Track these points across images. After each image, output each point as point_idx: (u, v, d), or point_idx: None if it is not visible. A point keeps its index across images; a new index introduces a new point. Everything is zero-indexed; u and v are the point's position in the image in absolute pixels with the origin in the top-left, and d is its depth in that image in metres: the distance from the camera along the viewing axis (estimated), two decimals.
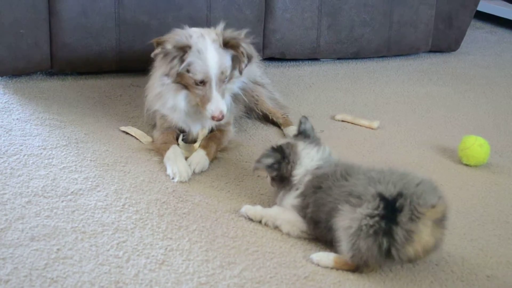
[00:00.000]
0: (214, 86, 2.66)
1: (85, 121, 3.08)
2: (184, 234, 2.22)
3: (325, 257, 2.11)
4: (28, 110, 3.17)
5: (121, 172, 2.63)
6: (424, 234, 1.96)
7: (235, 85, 2.87)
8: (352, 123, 3.29)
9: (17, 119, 3.05)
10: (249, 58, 2.76)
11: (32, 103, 3.26)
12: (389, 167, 2.13)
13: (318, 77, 3.98)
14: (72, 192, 2.45)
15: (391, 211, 1.96)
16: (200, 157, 2.72)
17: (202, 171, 2.68)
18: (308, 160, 2.26)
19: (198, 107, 2.74)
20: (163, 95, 2.76)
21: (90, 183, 2.52)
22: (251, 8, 3.91)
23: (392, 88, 3.88)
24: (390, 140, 3.13)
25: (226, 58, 2.70)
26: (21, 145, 2.79)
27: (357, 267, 2.05)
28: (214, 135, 2.88)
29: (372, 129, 3.24)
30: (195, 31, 2.72)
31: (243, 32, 2.78)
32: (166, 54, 2.64)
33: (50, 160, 2.68)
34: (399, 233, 1.94)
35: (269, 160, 2.27)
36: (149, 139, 2.91)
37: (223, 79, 2.70)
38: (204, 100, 2.68)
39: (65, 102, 3.31)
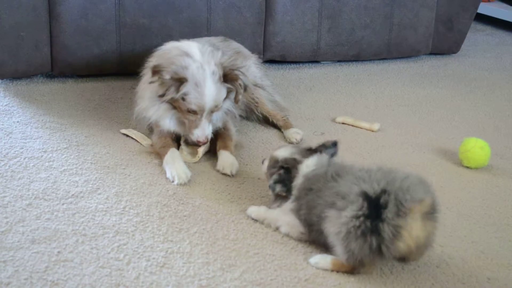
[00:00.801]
0: (205, 116, 2.70)
1: (86, 123, 3.09)
2: (185, 237, 2.22)
3: (323, 259, 2.11)
4: (28, 113, 3.17)
5: (121, 174, 2.63)
6: (413, 229, 1.94)
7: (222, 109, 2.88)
8: (352, 126, 3.29)
9: (18, 121, 3.05)
10: (245, 89, 2.82)
11: (32, 106, 3.27)
12: (378, 166, 2.11)
13: (318, 79, 3.98)
14: (72, 194, 2.45)
15: (376, 209, 1.95)
16: (229, 158, 2.76)
17: (237, 171, 2.72)
18: (304, 168, 2.25)
19: (184, 126, 2.77)
20: (152, 110, 2.78)
21: (90, 185, 2.52)
22: (251, 11, 3.91)
23: (392, 91, 3.88)
24: (390, 142, 3.13)
25: (222, 91, 2.72)
26: (22, 148, 2.79)
27: (354, 268, 2.05)
28: (225, 134, 2.91)
29: (373, 131, 3.24)
30: (194, 58, 2.69)
31: (239, 60, 2.80)
32: (162, 82, 2.66)
33: (51, 163, 2.68)
34: (386, 229, 1.93)
35: (278, 183, 2.25)
36: (149, 141, 2.91)
37: (216, 110, 2.74)
38: (191, 126, 2.72)
39: (66, 105, 3.31)
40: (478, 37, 5.26)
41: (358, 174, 2.08)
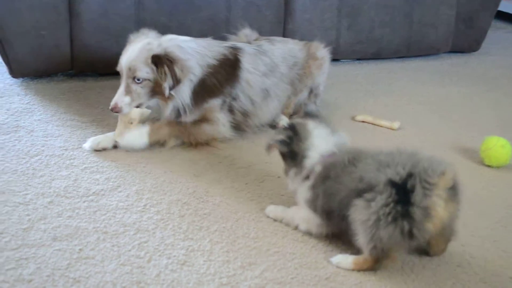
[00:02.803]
0: (124, 80, 2.81)
1: (106, 121, 3.10)
2: (205, 235, 2.23)
3: (344, 259, 2.10)
4: (49, 111, 3.19)
5: (142, 172, 2.64)
6: (439, 207, 1.95)
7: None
8: (372, 124, 3.28)
9: (39, 120, 3.07)
10: (176, 82, 2.83)
11: (53, 104, 3.28)
12: (398, 148, 2.11)
13: (338, 77, 3.97)
14: (93, 192, 2.46)
15: (404, 194, 1.95)
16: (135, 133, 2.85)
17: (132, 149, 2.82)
18: (321, 141, 2.23)
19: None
20: None
21: (111, 183, 2.53)
22: (271, 9, 3.91)
23: (412, 89, 3.86)
24: (411, 141, 3.11)
25: (142, 62, 2.79)
26: (43, 146, 2.80)
27: (376, 262, 2.04)
28: (183, 123, 2.94)
29: (393, 130, 3.23)
30: (151, 35, 2.93)
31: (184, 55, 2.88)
32: None
33: (72, 161, 2.69)
34: (417, 212, 1.94)
35: (281, 136, 2.25)
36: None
37: (131, 76, 2.80)
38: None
39: (86, 103, 3.33)
40: (499, 35, 5.22)
41: (380, 158, 2.07)
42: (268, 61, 3.12)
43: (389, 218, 1.95)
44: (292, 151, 2.25)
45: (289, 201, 2.45)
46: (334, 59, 4.19)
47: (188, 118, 2.91)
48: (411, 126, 3.29)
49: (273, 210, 2.36)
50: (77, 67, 3.64)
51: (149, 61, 2.77)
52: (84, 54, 3.59)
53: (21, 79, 3.59)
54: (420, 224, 1.94)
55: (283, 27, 4.00)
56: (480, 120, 3.43)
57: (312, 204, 2.19)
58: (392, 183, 1.97)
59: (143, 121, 2.88)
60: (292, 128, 2.27)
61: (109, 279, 1.96)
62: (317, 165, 2.19)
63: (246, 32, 3.40)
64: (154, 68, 2.78)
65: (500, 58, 4.59)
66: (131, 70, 2.77)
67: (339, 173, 2.11)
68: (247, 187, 2.59)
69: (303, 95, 3.27)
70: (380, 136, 3.16)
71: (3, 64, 3.55)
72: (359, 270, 2.07)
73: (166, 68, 2.77)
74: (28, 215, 2.27)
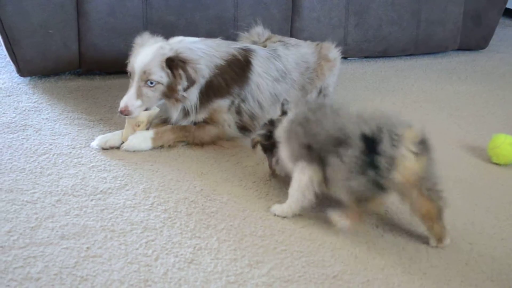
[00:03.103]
0: (136, 81, 2.78)
1: (113, 120, 3.10)
2: (213, 233, 2.23)
3: (338, 221, 2.22)
4: (57, 110, 3.19)
5: (149, 171, 2.65)
6: (407, 158, 2.07)
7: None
8: None
9: (47, 118, 3.08)
10: (191, 83, 2.83)
11: (61, 103, 3.29)
12: (380, 110, 2.24)
13: (345, 76, 3.96)
14: (101, 191, 2.46)
15: (373, 145, 2.09)
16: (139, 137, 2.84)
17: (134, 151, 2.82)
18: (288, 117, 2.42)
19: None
20: None
21: (119, 182, 2.54)
22: (278, 7, 3.91)
23: (420, 87, 3.86)
24: None
25: (156, 65, 2.77)
26: (51, 145, 2.81)
27: (357, 213, 2.18)
28: (188, 127, 2.94)
29: None
30: (158, 39, 2.94)
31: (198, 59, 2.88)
32: None
33: (79, 159, 2.70)
34: (382, 161, 2.07)
35: (263, 131, 2.48)
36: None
37: (145, 79, 2.77)
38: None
39: (94, 102, 3.34)
40: (507, 32, 5.21)
41: (363, 115, 2.20)
42: (281, 67, 3.11)
43: (358, 169, 2.10)
44: (273, 143, 2.44)
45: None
46: (342, 57, 4.18)
47: (195, 117, 2.91)
48: (419, 124, 3.27)
49: (278, 207, 2.37)
50: (85, 66, 3.65)
51: (164, 64, 2.77)
52: (91, 53, 3.60)
53: (29, 78, 3.60)
54: (385, 172, 2.07)
55: (291, 25, 4.00)
56: (488, 118, 3.42)
57: (291, 154, 2.34)
58: (364, 137, 2.12)
59: (150, 121, 2.88)
60: (271, 123, 2.48)
61: (117, 277, 1.97)
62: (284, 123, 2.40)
63: (258, 30, 3.39)
64: (169, 71, 2.77)
65: (508, 56, 4.57)
66: (146, 73, 2.76)
67: (321, 118, 2.27)
68: (255, 185, 2.59)
69: (312, 95, 3.26)
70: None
71: (11, 63, 3.56)
72: (350, 225, 2.19)
73: (180, 71, 2.77)
74: (36, 213, 2.28)
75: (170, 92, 2.82)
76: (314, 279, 2.02)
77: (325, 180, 2.27)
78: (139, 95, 2.77)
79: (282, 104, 2.52)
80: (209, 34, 3.40)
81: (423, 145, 2.12)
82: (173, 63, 2.77)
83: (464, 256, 2.17)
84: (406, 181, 2.08)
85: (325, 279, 2.02)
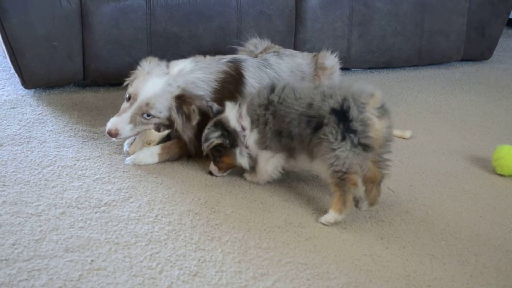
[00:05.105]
0: (134, 109, 2.74)
1: None
2: (217, 245, 2.23)
3: (329, 215, 2.38)
4: (61, 122, 3.20)
5: (153, 183, 2.65)
6: (374, 120, 2.32)
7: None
8: None
9: (51, 130, 3.09)
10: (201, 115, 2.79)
11: (65, 115, 3.30)
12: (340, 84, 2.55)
13: None
14: (105, 203, 2.47)
15: (343, 115, 2.31)
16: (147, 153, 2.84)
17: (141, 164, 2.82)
18: (231, 111, 2.64)
19: None
20: None
21: (123, 194, 2.54)
22: (282, 19, 3.91)
23: (424, 98, 3.86)
24: (422, 150, 3.11)
25: (163, 101, 2.74)
26: (55, 157, 2.82)
27: (340, 187, 2.34)
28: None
29: (405, 139, 3.22)
30: (165, 70, 2.85)
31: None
32: None
33: (84, 172, 2.70)
34: (356, 125, 2.30)
35: (217, 133, 2.61)
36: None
37: (146, 112, 2.74)
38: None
39: (98, 114, 3.34)
40: (510, 43, 5.21)
41: (324, 90, 2.43)
42: (273, 75, 3.09)
43: (339, 138, 2.30)
44: (233, 139, 2.61)
45: (302, 209, 2.45)
46: (345, 68, 4.21)
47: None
48: (423, 135, 3.28)
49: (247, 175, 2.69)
50: (89, 77, 3.66)
51: (171, 103, 2.73)
52: (96, 65, 3.61)
53: (33, 90, 3.61)
54: (364, 133, 2.30)
55: (294, 36, 4.00)
56: (492, 129, 3.42)
57: (262, 139, 2.55)
58: (334, 111, 2.33)
59: (160, 141, 2.88)
60: (216, 124, 2.62)
61: None
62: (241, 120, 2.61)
63: (255, 41, 3.39)
64: (175, 109, 2.74)
65: None
66: (148, 106, 2.72)
67: (286, 99, 2.48)
68: (260, 197, 2.59)
69: None
70: (392, 145, 3.14)
71: (16, 75, 3.57)
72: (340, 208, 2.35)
73: (193, 106, 2.74)
74: (40, 226, 2.28)
75: (163, 127, 2.85)
76: None
77: (293, 155, 2.56)
78: (132, 121, 2.74)
79: (210, 107, 2.68)
80: (212, 46, 3.41)
81: (383, 109, 2.35)
82: (182, 103, 2.74)
83: (469, 268, 2.16)
84: (378, 139, 2.33)
85: None
